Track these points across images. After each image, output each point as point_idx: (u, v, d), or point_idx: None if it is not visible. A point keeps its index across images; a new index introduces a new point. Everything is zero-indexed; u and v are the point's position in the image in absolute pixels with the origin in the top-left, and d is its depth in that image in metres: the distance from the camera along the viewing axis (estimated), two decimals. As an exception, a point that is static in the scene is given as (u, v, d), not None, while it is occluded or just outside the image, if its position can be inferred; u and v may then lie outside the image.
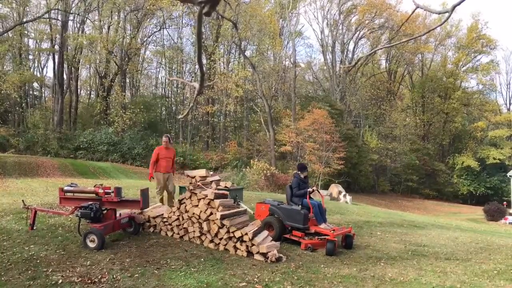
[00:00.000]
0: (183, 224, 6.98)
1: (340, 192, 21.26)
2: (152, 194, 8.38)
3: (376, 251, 7.34)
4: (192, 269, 5.43)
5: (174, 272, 5.27)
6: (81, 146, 30.05)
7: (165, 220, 7.27)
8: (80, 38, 34.51)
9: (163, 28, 41.21)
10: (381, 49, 40.06)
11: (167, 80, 45.79)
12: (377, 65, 53.59)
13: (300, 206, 7.33)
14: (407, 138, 46.46)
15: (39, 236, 6.58)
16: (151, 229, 7.37)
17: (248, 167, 27.34)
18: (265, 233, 6.87)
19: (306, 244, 6.91)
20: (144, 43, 41.72)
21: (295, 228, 7.22)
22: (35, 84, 42.35)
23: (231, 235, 6.43)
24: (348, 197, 21.29)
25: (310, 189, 7.59)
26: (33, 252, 5.76)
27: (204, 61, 36.00)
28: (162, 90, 48.60)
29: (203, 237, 6.75)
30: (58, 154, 29.14)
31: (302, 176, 7.81)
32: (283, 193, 23.68)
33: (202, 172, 7.41)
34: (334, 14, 46.27)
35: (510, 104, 55.18)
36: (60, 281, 4.75)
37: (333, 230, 7.05)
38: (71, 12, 33.93)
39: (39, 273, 4.98)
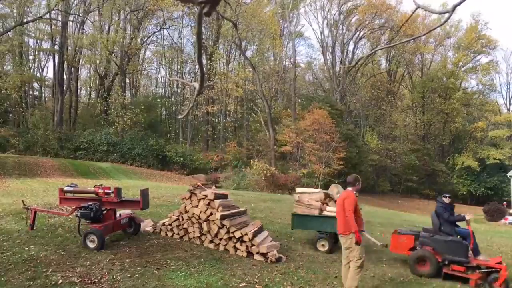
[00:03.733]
0: (183, 225, 6.97)
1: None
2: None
3: (376, 252, 7.33)
4: (192, 270, 5.43)
5: (174, 273, 5.27)
6: (81, 147, 30.02)
7: (165, 220, 7.27)
8: (81, 39, 34.52)
9: (163, 29, 41.25)
10: (381, 49, 40.06)
11: (167, 80, 45.81)
12: (377, 65, 53.55)
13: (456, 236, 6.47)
14: (407, 139, 46.42)
15: (39, 237, 6.57)
16: (151, 230, 7.37)
17: (248, 167, 27.32)
18: (265, 233, 6.87)
19: (476, 281, 5.94)
20: (144, 43, 41.73)
21: (455, 262, 6.19)
22: (35, 84, 42.33)
23: (231, 235, 6.43)
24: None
25: (467, 217, 6.57)
26: (33, 253, 5.75)
27: (204, 61, 36.00)
28: (162, 90, 48.60)
29: (203, 238, 6.74)
30: (58, 155, 29.11)
31: (446, 201, 6.79)
32: (283, 194, 23.65)
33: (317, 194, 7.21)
34: (334, 15, 46.29)
35: (510, 104, 55.19)
36: (60, 281, 4.74)
37: (500, 262, 6.09)
38: (71, 12, 33.92)
39: (39, 273, 4.97)
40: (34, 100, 42.05)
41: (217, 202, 6.61)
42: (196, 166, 30.97)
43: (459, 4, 2.25)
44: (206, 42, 36.71)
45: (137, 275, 5.07)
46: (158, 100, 43.19)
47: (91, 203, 6.43)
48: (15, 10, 35.46)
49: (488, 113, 51.76)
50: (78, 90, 41.91)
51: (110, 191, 6.61)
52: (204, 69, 30.42)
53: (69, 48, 35.56)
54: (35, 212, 6.83)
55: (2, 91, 32.34)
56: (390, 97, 49.47)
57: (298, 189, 7.89)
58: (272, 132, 32.97)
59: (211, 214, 6.63)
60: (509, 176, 33.91)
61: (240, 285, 4.99)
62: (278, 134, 33.60)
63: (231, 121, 42.08)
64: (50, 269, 5.12)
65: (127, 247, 6.31)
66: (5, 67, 38.93)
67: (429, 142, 51.63)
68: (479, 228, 15.66)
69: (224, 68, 41.67)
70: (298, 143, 31.70)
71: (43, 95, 44.66)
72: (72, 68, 36.69)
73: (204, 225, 6.63)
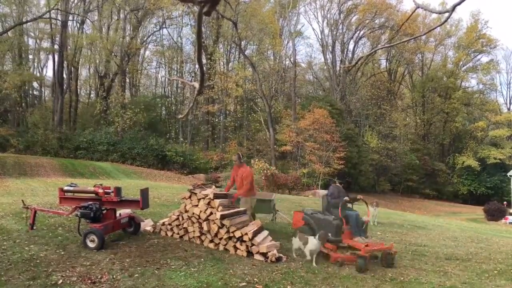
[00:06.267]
0: (183, 224, 6.96)
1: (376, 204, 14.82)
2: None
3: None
4: (192, 269, 5.42)
5: (174, 272, 5.26)
6: (81, 146, 30.02)
7: (165, 220, 7.27)
8: (80, 39, 34.50)
9: (163, 28, 41.24)
10: (381, 48, 40.07)
11: (167, 80, 45.80)
12: (377, 64, 53.55)
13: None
14: (407, 138, 46.45)
15: (39, 236, 6.57)
16: (151, 229, 7.36)
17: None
18: (265, 233, 6.87)
19: (335, 258, 6.23)
20: (144, 43, 41.72)
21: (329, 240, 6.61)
22: (35, 84, 42.36)
23: (231, 235, 6.42)
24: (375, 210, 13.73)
25: (346, 198, 7.14)
26: (33, 252, 5.75)
27: (204, 60, 35.99)
28: (162, 90, 48.59)
29: (203, 237, 6.73)
30: (58, 154, 29.12)
31: (337, 184, 7.49)
32: (283, 193, 23.64)
33: None
34: (334, 14, 46.30)
35: (510, 103, 55.23)
36: (60, 281, 4.74)
37: (366, 245, 6.26)
38: (71, 12, 33.90)
39: (39, 273, 4.97)
40: (34, 100, 42.10)
41: (217, 201, 6.60)
42: (196, 166, 30.97)
43: (459, 3, 2.24)
44: (206, 42, 36.69)
45: (137, 275, 5.07)
46: (158, 99, 43.19)
47: (91, 202, 6.42)
48: (14, 9, 35.43)
49: (488, 112, 51.78)
50: (78, 90, 41.92)
51: (110, 190, 6.60)
52: (204, 68, 30.43)
53: (69, 47, 35.55)
54: (35, 212, 6.82)
55: (2, 91, 32.34)
56: (390, 97, 49.49)
57: None
58: (272, 132, 33.00)
59: (211, 213, 6.63)
60: (510, 175, 33.93)
61: (240, 284, 4.99)
62: (278, 134, 33.62)
63: (231, 120, 42.12)
64: (50, 269, 5.11)
65: (127, 247, 6.31)
66: (5, 66, 38.94)
67: (429, 141, 51.66)
68: (480, 227, 15.65)
69: (224, 67, 41.67)
70: (298, 143, 31.73)
71: (43, 95, 44.73)
72: (72, 68, 36.70)
73: (204, 225, 6.63)
